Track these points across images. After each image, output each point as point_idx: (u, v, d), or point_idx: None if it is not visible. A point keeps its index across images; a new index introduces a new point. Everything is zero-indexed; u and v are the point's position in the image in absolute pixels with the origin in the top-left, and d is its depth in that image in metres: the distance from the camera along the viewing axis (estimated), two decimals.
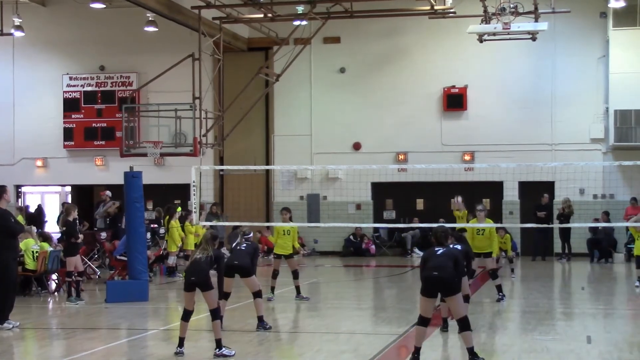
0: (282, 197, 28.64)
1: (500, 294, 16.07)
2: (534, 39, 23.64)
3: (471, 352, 10.31)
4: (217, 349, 11.04)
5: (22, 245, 15.90)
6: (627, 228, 24.51)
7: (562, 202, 25.74)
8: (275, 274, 16.89)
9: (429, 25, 27.00)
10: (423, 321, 10.32)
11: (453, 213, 19.80)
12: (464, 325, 10.27)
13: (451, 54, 27.71)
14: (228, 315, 15.06)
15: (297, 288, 16.82)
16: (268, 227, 17.78)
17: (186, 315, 11.29)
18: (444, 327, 12.70)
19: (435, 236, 10.76)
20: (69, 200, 29.55)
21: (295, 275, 16.84)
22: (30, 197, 31.61)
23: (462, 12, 25.23)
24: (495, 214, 26.66)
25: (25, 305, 15.82)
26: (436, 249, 10.52)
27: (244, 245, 13.86)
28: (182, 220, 21.85)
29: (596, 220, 25.27)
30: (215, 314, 11.13)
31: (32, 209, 28.03)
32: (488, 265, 16.19)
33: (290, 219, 17.48)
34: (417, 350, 10.28)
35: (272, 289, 16.79)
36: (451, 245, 11.16)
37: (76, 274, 16.67)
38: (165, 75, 25.30)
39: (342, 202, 27.93)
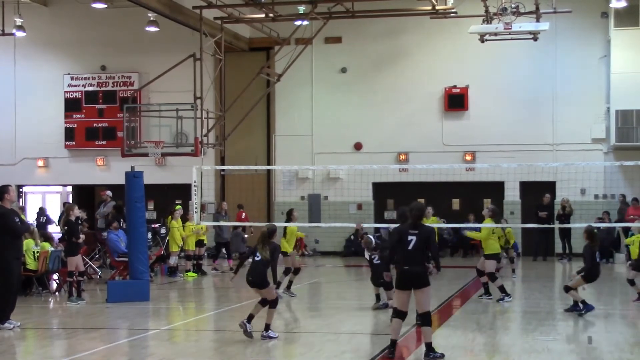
0: (283, 197, 28.66)
1: (504, 294, 16.09)
2: (535, 39, 23.64)
3: (429, 347, 10.65)
4: (265, 331, 12.06)
5: (23, 245, 15.86)
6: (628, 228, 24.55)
7: (562, 202, 25.74)
8: (288, 271, 17.41)
9: (430, 25, 27.01)
10: (399, 314, 10.66)
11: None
12: (426, 320, 10.66)
13: (452, 54, 27.71)
14: (229, 315, 15.09)
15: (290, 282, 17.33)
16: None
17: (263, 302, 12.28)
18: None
19: (412, 214, 10.79)
20: (70, 200, 29.54)
21: (296, 271, 17.40)
22: (31, 197, 31.62)
23: (463, 12, 25.24)
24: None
25: (26, 305, 15.81)
26: (410, 232, 10.59)
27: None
28: (184, 220, 21.88)
29: (600, 219, 25.25)
30: (274, 304, 12.14)
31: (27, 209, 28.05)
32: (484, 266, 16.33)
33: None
34: (393, 343, 10.65)
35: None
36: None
37: (77, 274, 16.67)
38: (167, 75, 25.33)
39: (343, 202, 27.94)
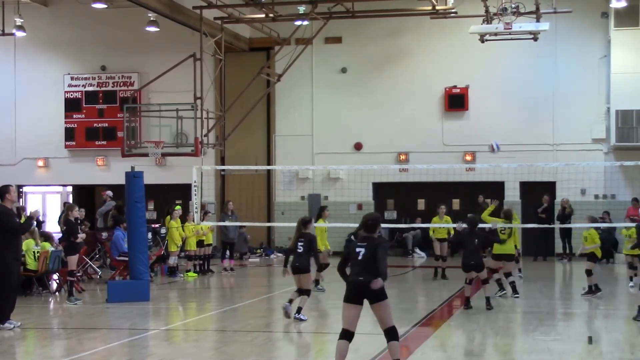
0: (283, 197, 28.67)
1: (500, 289, 16.82)
2: (535, 39, 23.64)
3: None
4: (297, 313, 13.80)
5: (23, 245, 15.88)
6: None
7: (562, 202, 25.74)
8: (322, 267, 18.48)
9: (431, 26, 27.01)
10: (346, 334, 9.37)
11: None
12: (393, 334, 9.49)
13: (452, 54, 27.71)
14: (229, 315, 15.10)
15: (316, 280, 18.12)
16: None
17: (299, 291, 14.09)
18: (467, 306, 14.88)
19: (363, 223, 9.59)
20: (70, 201, 29.54)
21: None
22: (31, 198, 31.62)
23: (463, 12, 25.24)
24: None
25: (26, 305, 15.81)
26: (358, 245, 9.46)
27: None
28: (183, 220, 21.86)
29: (600, 219, 25.22)
30: (308, 292, 14.14)
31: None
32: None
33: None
34: None
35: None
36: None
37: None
38: (167, 75, 25.33)
39: (344, 202, 27.93)
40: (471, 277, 15.50)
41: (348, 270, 9.61)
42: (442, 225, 20.37)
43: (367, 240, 9.46)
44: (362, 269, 9.30)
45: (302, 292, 14.03)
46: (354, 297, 9.35)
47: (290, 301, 13.94)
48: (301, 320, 13.69)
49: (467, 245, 15.48)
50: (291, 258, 14.13)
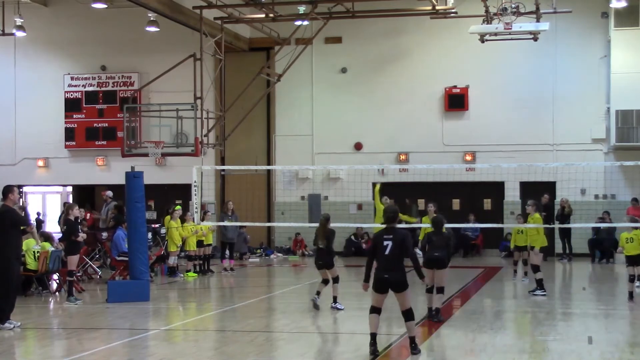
0: (283, 197, 28.67)
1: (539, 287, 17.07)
2: (535, 39, 23.64)
3: (413, 341, 10.88)
4: (333, 303, 14.79)
5: (23, 245, 15.88)
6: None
7: (561, 202, 25.74)
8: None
9: (431, 25, 27.01)
10: (375, 310, 10.91)
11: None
12: (409, 315, 10.81)
13: (452, 54, 27.71)
14: (229, 315, 15.10)
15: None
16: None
17: (324, 281, 15.02)
18: (431, 316, 13.75)
19: (385, 215, 11.15)
20: (70, 201, 29.55)
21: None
22: (31, 197, 31.63)
23: (463, 12, 25.25)
24: (497, 214, 26.72)
25: (26, 305, 15.82)
26: (384, 238, 10.77)
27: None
28: (182, 220, 21.85)
29: (600, 219, 25.24)
30: (337, 279, 14.99)
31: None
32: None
33: None
34: (373, 337, 10.91)
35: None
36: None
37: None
38: (167, 75, 25.34)
39: (344, 202, 27.93)
40: (431, 284, 13.95)
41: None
42: (427, 225, 19.78)
43: (392, 233, 10.78)
44: (388, 265, 10.64)
45: (333, 280, 14.82)
46: (381, 289, 10.78)
47: (318, 293, 14.75)
48: (338, 309, 14.64)
49: (433, 241, 14.36)
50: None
